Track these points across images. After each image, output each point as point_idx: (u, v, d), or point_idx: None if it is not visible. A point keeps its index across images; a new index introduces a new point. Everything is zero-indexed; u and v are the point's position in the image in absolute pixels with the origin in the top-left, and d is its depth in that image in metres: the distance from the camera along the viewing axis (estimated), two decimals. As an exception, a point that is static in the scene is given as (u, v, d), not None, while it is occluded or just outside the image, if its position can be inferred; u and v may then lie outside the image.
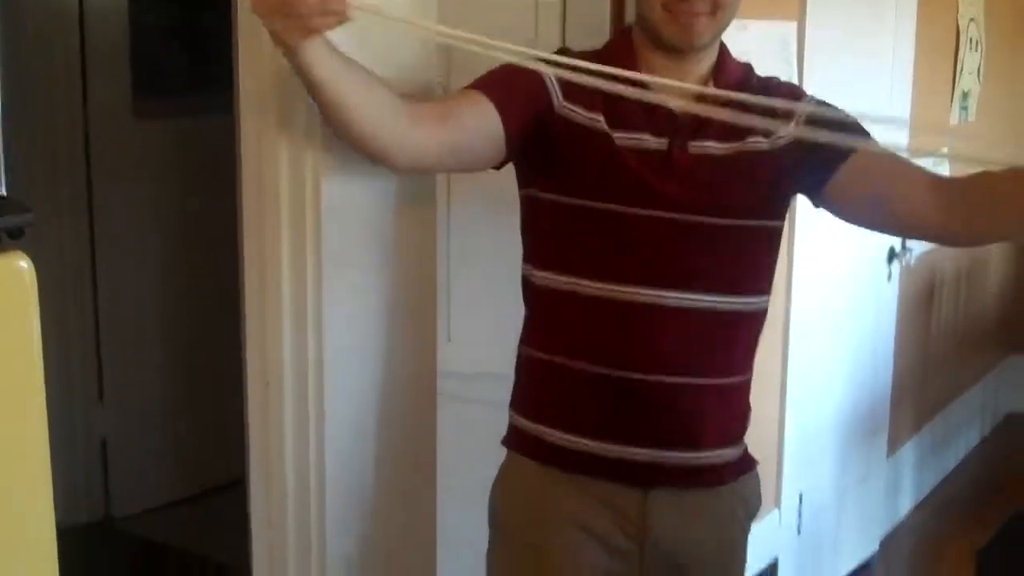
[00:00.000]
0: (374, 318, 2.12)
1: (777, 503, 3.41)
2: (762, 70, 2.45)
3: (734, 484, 2.05)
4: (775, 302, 3.24)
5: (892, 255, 3.85)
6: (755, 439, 3.27)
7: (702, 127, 1.90)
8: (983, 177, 1.82)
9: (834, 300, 3.56)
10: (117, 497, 3.98)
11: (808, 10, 3.17)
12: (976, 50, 4.41)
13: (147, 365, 3.99)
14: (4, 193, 1.22)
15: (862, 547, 3.99)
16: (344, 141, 1.83)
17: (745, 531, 2.11)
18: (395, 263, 2.14)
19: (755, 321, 2.03)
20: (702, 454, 1.99)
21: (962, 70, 4.32)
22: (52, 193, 3.69)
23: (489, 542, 2.09)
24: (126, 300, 3.89)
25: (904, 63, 3.80)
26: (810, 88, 3.12)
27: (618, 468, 1.95)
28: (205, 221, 3.77)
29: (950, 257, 4.50)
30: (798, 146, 1.90)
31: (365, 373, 2.12)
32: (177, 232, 3.96)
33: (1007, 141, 4.96)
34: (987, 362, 5.17)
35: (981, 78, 4.49)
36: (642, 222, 1.87)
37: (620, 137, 1.90)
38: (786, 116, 1.88)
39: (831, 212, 2.02)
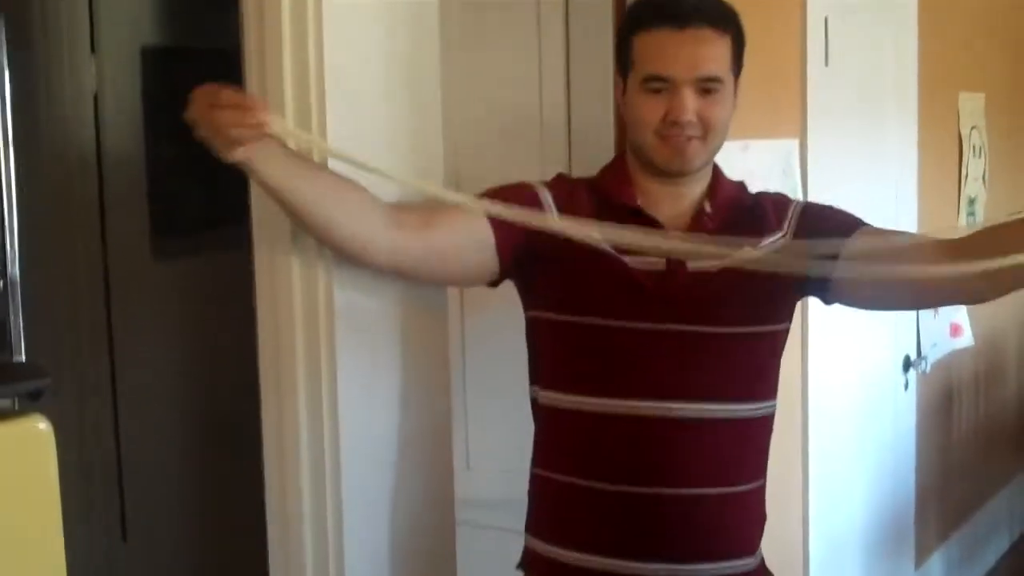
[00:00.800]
0: (390, 450, 2.14)
1: (804, 619, 3.38)
2: (766, 188, 2.50)
3: None
4: (792, 412, 3.29)
5: (907, 364, 3.87)
6: (779, 549, 3.26)
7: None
8: (991, 228, 1.85)
9: (852, 409, 3.57)
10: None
11: (809, 127, 3.23)
12: (980, 156, 4.47)
13: (170, 504, 3.99)
14: (23, 359, 1.25)
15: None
16: (319, 241, 1.88)
17: None
18: (410, 393, 2.17)
19: (765, 426, 2.06)
20: (720, 565, 2.00)
21: (967, 176, 4.37)
22: (72, 338, 3.74)
23: None
24: (148, 440, 3.90)
25: (909, 173, 3.86)
26: (815, 199, 3.19)
27: None
28: (225, 359, 3.80)
29: (967, 362, 4.51)
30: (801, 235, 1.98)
31: (383, 505, 2.13)
32: (197, 371, 3.99)
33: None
34: (1011, 468, 5.13)
35: (987, 184, 4.53)
36: (647, 336, 1.91)
37: (620, 256, 1.94)
38: (777, 224, 1.95)
39: (847, 305, 2.06)
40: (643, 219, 1.97)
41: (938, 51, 4.04)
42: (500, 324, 2.60)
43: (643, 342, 1.91)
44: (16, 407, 1.23)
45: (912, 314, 3.95)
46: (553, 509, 2.06)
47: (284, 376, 2.05)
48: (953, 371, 4.40)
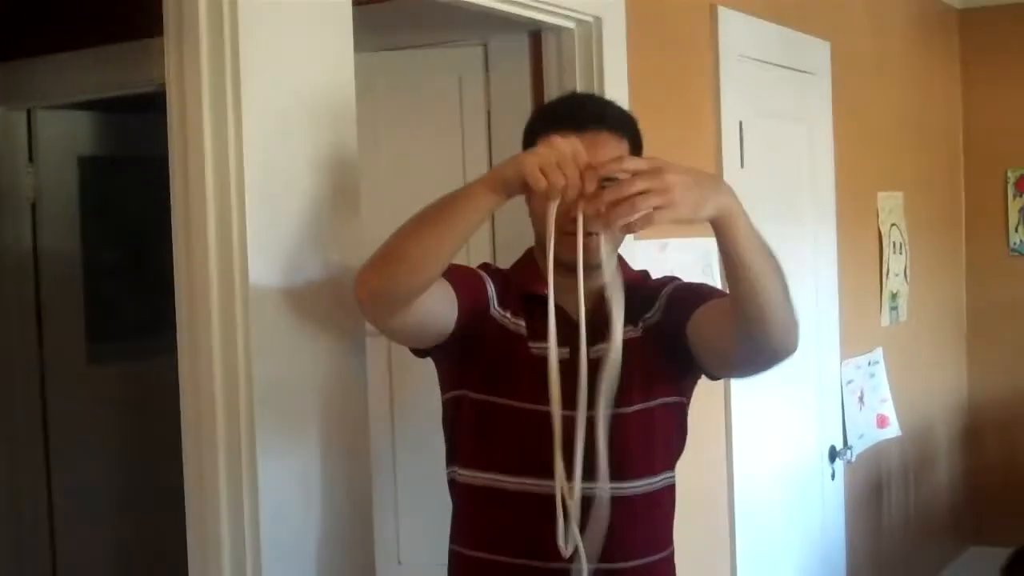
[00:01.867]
0: (311, 539, 2.18)
1: None
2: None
3: None
4: (718, 500, 3.36)
5: (833, 454, 3.95)
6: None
7: (597, 335, 2.01)
8: None
9: (778, 498, 3.64)
10: None
11: (727, 225, 3.34)
12: (900, 253, 4.61)
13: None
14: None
15: None
16: (404, 254, 1.90)
17: None
18: (331, 481, 2.21)
19: (669, 496, 2.16)
20: None
21: (888, 272, 4.51)
22: (9, 442, 3.77)
23: None
24: (83, 539, 3.92)
25: (828, 270, 3.99)
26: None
27: None
28: (160, 460, 3.83)
29: (895, 452, 4.60)
30: (657, 327, 2.10)
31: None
32: (131, 467, 4.01)
33: (941, 337, 5.13)
34: (944, 555, 5.20)
35: (908, 279, 4.67)
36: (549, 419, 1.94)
37: (534, 347, 2.03)
38: (651, 299, 2.10)
39: (722, 376, 2.23)
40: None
41: (855, 152, 4.20)
42: (431, 415, 2.66)
43: (548, 425, 1.96)
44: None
45: (837, 406, 4.05)
46: None
47: (207, 466, 2.09)
48: (882, 460, 4.49)
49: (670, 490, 2.16)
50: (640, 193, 1.70)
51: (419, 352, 2.16)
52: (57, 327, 3.91)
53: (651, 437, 2.10)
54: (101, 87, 3.54)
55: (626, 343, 2.02)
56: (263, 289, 2.07)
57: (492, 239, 2.93)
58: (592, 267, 2.06)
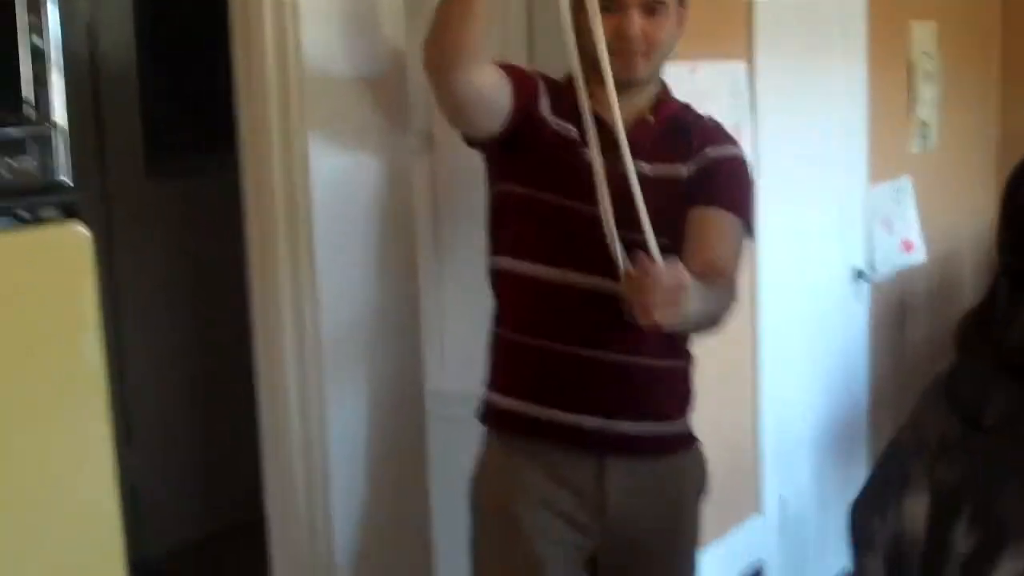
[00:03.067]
0: (364, 325, 2.41)
1: (758, 508, 3.65)
2: (714, 108, 2.73)
3: (679, 457, 2.34)
4: (743, 318, 3.54)
5: (858, 274, 4.12)
6: (731, 443, 3.54)
7: (634, 151, 2.18)
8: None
9: (802, 314, 3.82)
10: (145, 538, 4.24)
11: (756, 50, 3.46)
12: (931, 82, 4.69)
13: (171, 408, 4.24)
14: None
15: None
16: (446, 28, 2.09)
17: (695, 504, 2.40)
18: (382, 278, 2.42)
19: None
20: (646, 425, 2.30)
21: (918, 100, 4.60)
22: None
23: (470, 525, 2.37)
24: (147, 346, 4.16)
25: (858, 95, 4.08)
26: (765, 122, 3.43)
27: (572, 435, 2.26)
28: (219, 270, 4.05)
29: (921, 277, 4.74)
30: (696, 176, 2.28)
31: (359, 372, 2.41)
32: (192, 281, 4.23)
33: (969, 168, 5.23)
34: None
35: (939, 109, 4.76)
36: (595, 222, 2.12)
37: (586, 152, 2.19)
38: (698, 149, 2.21)
39: None
40: (592, 117, 2.19)
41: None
42: (475, 228, 2.84)
43: (595, 224, 2.13)
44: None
45: (862, 230, 4.19)
46: (506, 365, 2.36)
47: (268, 263, 2.31)
48: (906, 284, 4.63)
49: None
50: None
51: (471, 142, 2.32)
52: (117, 143, 4.09)
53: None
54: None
55: (668, 176, 2.21)
56: (316, 113, 2.24)
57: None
58: (635, 84, 2.24)
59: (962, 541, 1.26)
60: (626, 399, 2.27)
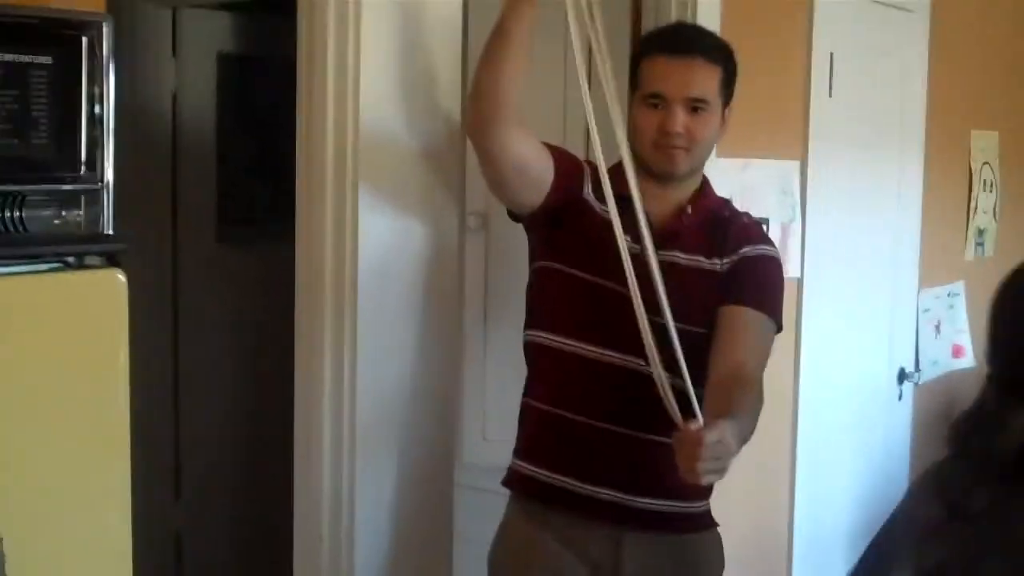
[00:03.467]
0: (401, 400, 2.50)
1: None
2: (763, 205, 2.82)
3: (696, 537, 2.41)
4: (783, 414, 3.59)
5: (902, 376, 4.16)
6: (762, 537, 3.58)
7: (670, 240, 2.29)
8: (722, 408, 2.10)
9: (844, 412, 3.86)
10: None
11: (810, 151, 3.55)
12: (991, 191, 4.75)
13: (220, 468, 4.36)
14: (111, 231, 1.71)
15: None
16: (479, 87, 2.22)
17: None
18: (420, 364, 2.52)
19: None
20: (666, 503, 2.36)
21: (976, 209, 4.66)
22: (143, 310, 4.12)
23: None
24: (204, 407, 4.28)
25: (912, 200, 4.16)
26: (815, 220, 3.52)
27: (588, 505, 2.34)
28: (277, 335, 4.17)
29: (969, 381, 4.75)
30: (730, 273, 2.36)
31: (391, 445, 2.50)
32: (250, 342, 4.35)
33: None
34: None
35: (997, 217, 4.81)
36: (628, 302, 2.18)
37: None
38: (734, 247, 2.31)
39: None
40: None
41: (950, 89, 4.32)
42: (523, 307, 2.94)
43: (628, 305, 2.19)
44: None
45: (911, 332, 4.24)
46: (533, 433, 2.44)
47: (314, 329, 2.42)
48: (954, 388, 4.63)
49: None
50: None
51: (515, 216, 2.44)
52: (190, 209, 4.25)
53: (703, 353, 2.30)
54: (241, -11, 3.86)
55: (702, 269, 2.32)
56: (371, 190, 2.36)
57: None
58: (676, 178, 2.36)
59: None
60: (646, 475, 2.34)
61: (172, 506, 4.29)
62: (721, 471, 1.96)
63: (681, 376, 2.08)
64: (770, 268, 2.44)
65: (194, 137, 4.25)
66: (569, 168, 2.35)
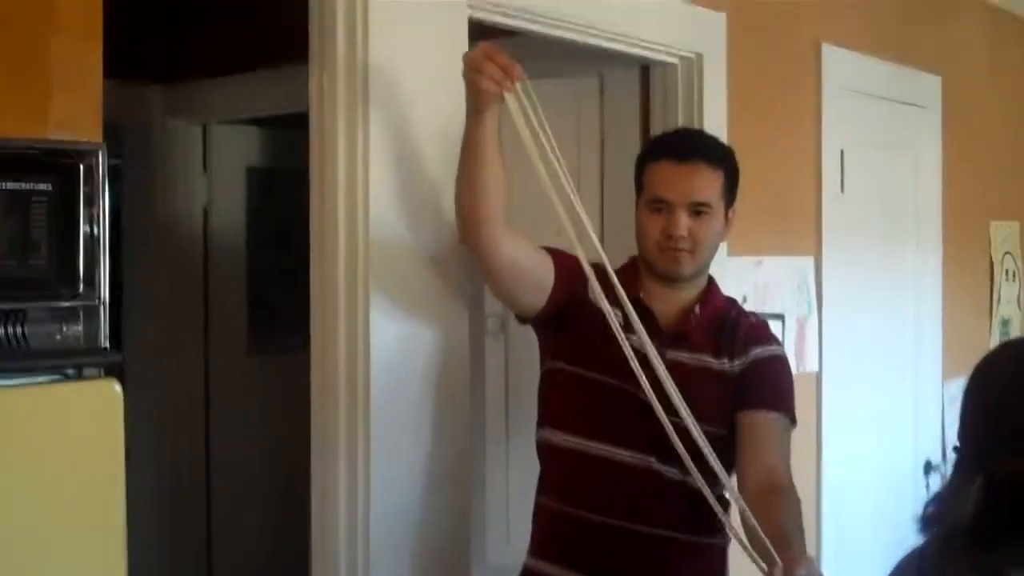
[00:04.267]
0: (415, 518, 2.54)
1: None
2: (779, 300, 2.85)
3: None
4: (805, 509, 3.58)
5: (928, 468, 4.16)
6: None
7: (677, 341, 2.34)
8: (785, 527, 2.10)
9: (868, 505, 3.85)
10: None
11: (824, 247, 3.60)
12: (1013, 281, 4.77)
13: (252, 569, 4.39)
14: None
15: None
16: (459, 201, 2.32)
17: None
18: (433, 465, 2.56)
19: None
20: None
21: (999, 300, 4.68)
22: (174, 420, 4.22)
23: None
24: (236, 510, 4.33)
25: (932, 294, 4.19)
26: (831, 314, 3.55)
27: None
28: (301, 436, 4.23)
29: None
30: (742, 375, 2.40)
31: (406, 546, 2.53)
32: (282, 453, 4.39)
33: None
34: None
35: (1021, 306, 4.83)
36: (638, 400, 2.20)
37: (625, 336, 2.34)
38: (743, 348, 2.36)
39: None
40: (641, 307, 2.35)
41: (966, 181, 4.38)
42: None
43: (635, 403, 2.23)
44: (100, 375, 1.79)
45: (936, 422, 4.24)
46: (545, 531, 2.47)
47: (328, 430, 2.47)
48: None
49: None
50: None
51: (522, 319, 2.50)
52: (222, 320, 4.33)
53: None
54: (268, 105, 3.96)
55: (709, 369, 2.36)
56: (381, 296, 2.43)
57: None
58: (681, 279, 2.41)
59: None
60: (659, 570, 2.37)
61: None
62: None
63: (702, 474, 2.10)
64: (781, 367, 2.47)
65: (225, 249, 4.36)
66: (570, 271, 2.38)
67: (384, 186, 2.43)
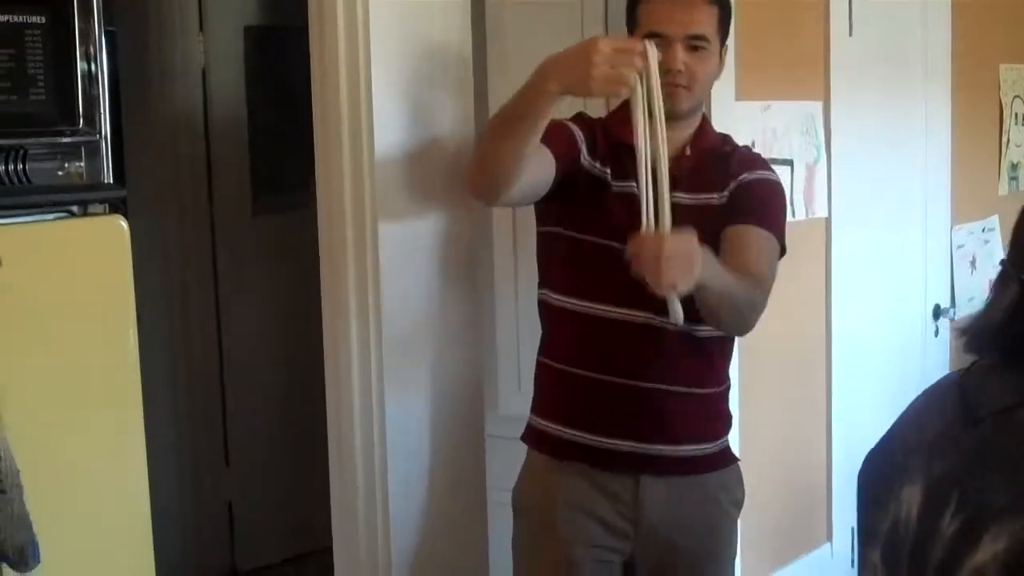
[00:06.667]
0: (427, 353, 2.55)
1: (829, 536, 3.71)
2: (786, 146, 2.81)
3: (714, 474, 2.46)
4: (815, 353, 3.62)
5: (937, 312, 4.16)
6: (802, 471, 3.60)
7: (675, 181, 2.31)
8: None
9: (879, 347, 3.88)
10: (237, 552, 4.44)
11: (832, 91, 3.56)
12: (1022, 124, 4.72)
13: (266, 434, 4.43)
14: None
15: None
16: (488, 158, 2.25)
17: (730, 516, 2.51)
18: (444, 302, 2.57)
19: (726, 343, 2.47)
20: (681, 448, 2.41)
21: (1008, 143, 4.64)
22: (183, 287, 4.21)
23: (513, 527, 2.54)
24: (249, 373, 4.36)
25: (941, 137, 4.15)
26: (840, 159, 3.53)
27: (607, 457, 2.39)
28: (312, 297, 4.23)
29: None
30: (731, 199, 2.39)
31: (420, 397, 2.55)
32: (290, 309, 4.40)
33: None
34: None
35: (1031, 151, 4.79)
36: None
37: (617, 186, 2.33)
38: (734, 176, 2.37)
39: None
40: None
41: (977, 24, 4.30)
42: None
43: (624, 261, 2.18)
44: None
45: (945, 268, 4.24)
46: (549, 391, 2.49)
47: (340, 302, 2.47)
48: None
49: (730, 339, 2.49)
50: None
51: None
52: (225, 182, 4.31)
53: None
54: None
55: (706, 205, 2.34)
56: (386, 155, 2.41)
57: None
58: (677, 116, 2.37)
59: (948, 525, 1.35)
60: (661, 425, 2.39)
61: (222, 471, 4.37)
62: (690, 274, 1.99)
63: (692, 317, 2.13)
64: (770, 190, 2.45)
65: (224, 111, 4.31)
66: (567, 150, 2.34)
67: (384, 44, 2.39)
